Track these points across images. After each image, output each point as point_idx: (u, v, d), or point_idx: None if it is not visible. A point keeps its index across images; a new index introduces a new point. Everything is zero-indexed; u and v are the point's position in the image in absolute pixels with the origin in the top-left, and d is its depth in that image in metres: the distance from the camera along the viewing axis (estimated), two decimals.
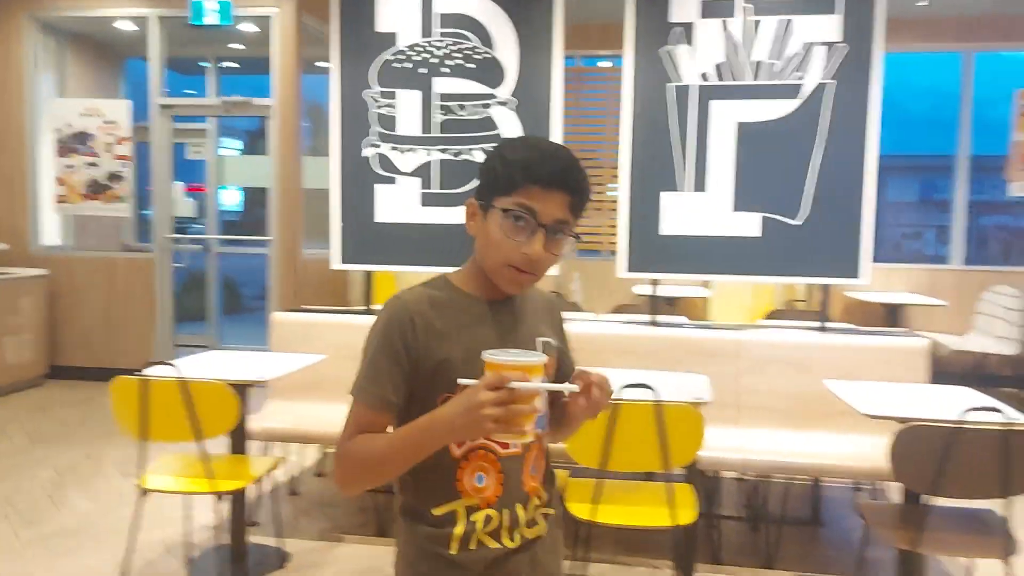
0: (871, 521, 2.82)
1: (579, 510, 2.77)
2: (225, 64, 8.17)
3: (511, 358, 1.20)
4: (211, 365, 3.36)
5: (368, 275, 4.48)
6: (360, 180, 4.26)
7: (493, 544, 1.35)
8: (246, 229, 12.70)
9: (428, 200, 4.24)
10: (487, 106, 4.14)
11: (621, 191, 4.07)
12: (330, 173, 4.34)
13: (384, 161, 4.24)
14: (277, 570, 3.38)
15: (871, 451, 3.28)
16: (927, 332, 6.42)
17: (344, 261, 4.36)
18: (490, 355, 1.20)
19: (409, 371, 1.34)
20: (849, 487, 4.38)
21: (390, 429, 1.36)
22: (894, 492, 4.13)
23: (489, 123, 4.14)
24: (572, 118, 6.58)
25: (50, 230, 6.93)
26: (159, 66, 6.52)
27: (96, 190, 6.52)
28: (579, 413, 1.35)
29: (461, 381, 1.22)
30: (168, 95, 6.62)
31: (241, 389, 3.08)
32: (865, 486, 4.30)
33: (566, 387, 1.27)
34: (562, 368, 1.47)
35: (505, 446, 1.34)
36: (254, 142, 11.90)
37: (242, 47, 7.84)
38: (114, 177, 6.51)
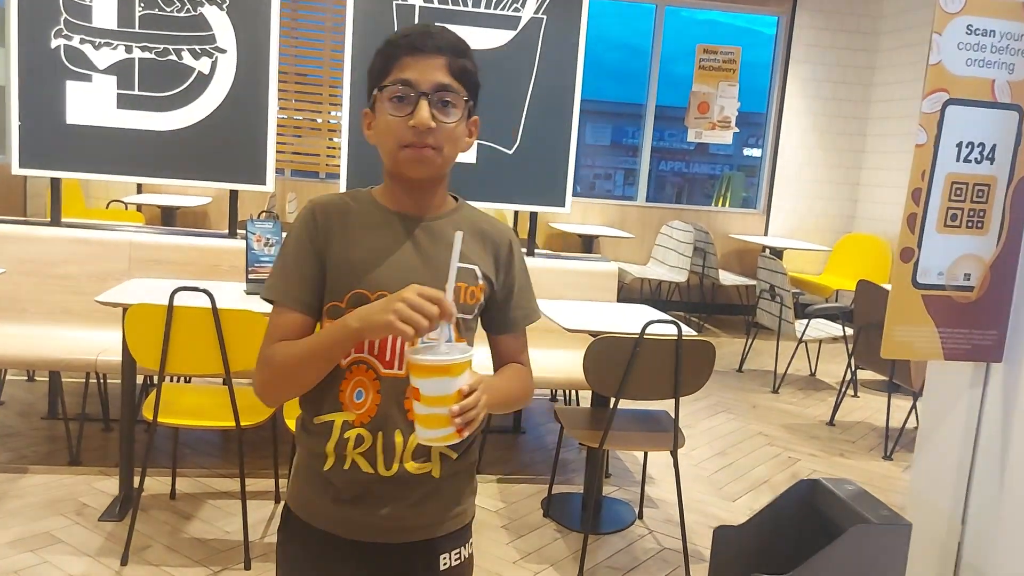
0: (565, 424, 3.14)
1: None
2: None
3: (434, 357, 1.13)
4: None
5: (56, 183, 4.02)
6: (46, 75, 3.78)
7: (366, 468, 1.28)
8: None
9: (125, 102, 3.86)
10: (198, 4, 3.84)
11: (344, 112, 4.01)
12: (8, 64, 3.79)
13: (75, 55, 3.79)
14: None
15: (569, 364, 3.62)
16: (616, 261, 7.13)
17: (25, 166, 3.87)
18: (413, 355, 1.14)
19: (318, 270, 1.29)
20: (546, 398, 4.80)
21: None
22: (586, 399, 4.60)
23: (201, 22, 3.85)
24: (290, 35, 6.32)
25: None
26: None
27: None
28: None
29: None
30: None
31: None
32: (561, 396, 4.75)
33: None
34: (505, 309, 1.40)
35: (389, 365, 1.27)
36: None
37: None
38: None
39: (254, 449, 3.68)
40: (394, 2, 3.95)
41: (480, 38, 4.00)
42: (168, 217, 6.61)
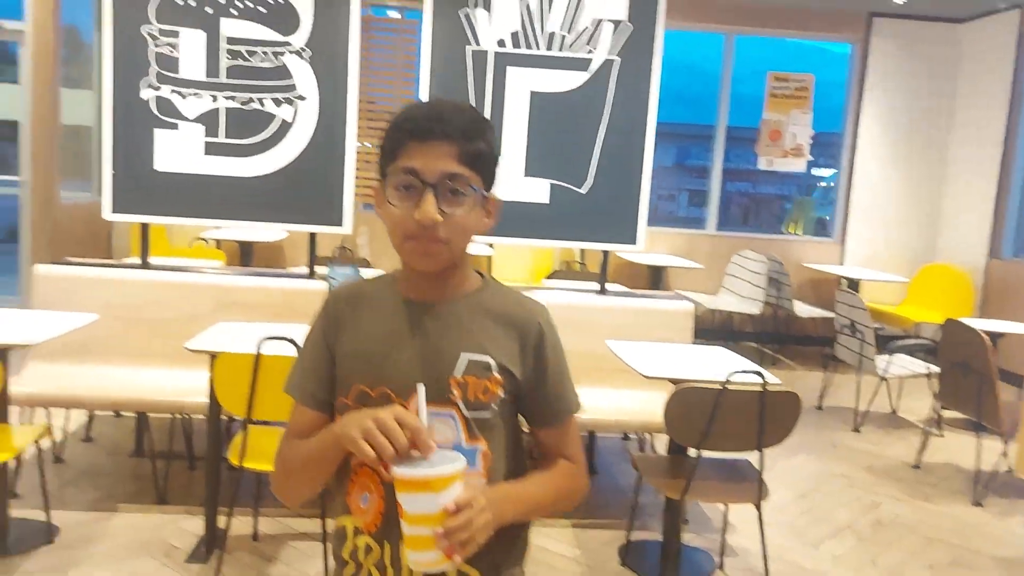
0: (644, 472, 3.10)
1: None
2: None
3: (412, 470, 1.03)
4: None
5: (145, 228, 4.17)
6: (137, 124, 3.94)
7: None
8: None
9: (212, 149, 4.00)
10: (280, 54, 3.96)
11: None
12: (102, 114, 3.97)
13: (165, 105, 3.94)
14: (45, 546, 3.13)
15: (643, 406, 3.59)
16: (684, 291, 7.05)
17: (116, 211, 4.03)
18: (393, 465, 1.04)
19: (329, 364, 1.25)
20: (619, 437, 4.76)
21: None
22: (660, 441, 4.54)
23: (283, 72, 3.97)
24: (363, 71, 6.44)
25: None
26: None
27: None
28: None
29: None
30: None
31: (2, 353, 2.79)
32: (633, 436, 4.70)
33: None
34: (538, 400, 1.28)
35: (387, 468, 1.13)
36: None
37: None
38: None
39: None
40: (468, 48, 4.00)
41: (553, 81, 4.02)
42: (246, 251, 6.79)
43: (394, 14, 7.43)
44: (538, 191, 4.10)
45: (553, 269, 6.60)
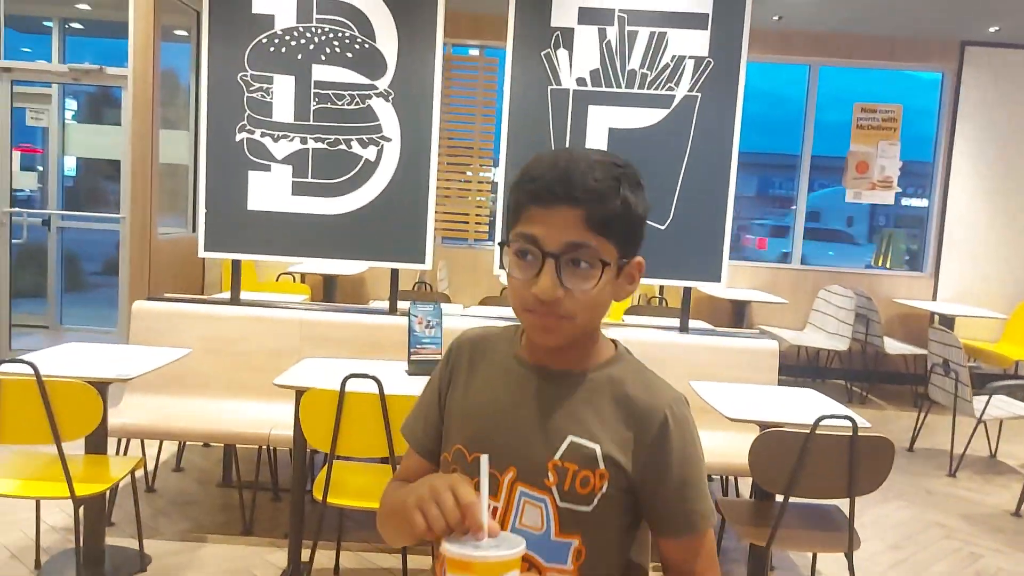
0: (728, 517, 3.03)
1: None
2: (71, 25, 7.59)
3: (460, 548, 0.92)
4: (69, 360, 3.15)
5: (236, 265, 4.32)
6: (231, 166, 4.10)
7: None
8: (82, 200, 11.88)
9: (299, 189, 4.13)
10: (366, 97, 4.07)
11: (500, 190, 4.12)
12: (198, 157, 4.15)
13: (256, 147, 4.09)
14: (138, 573, 3.24)
15: (726, 447, 3.50)
16: (768, 326, 6.90)
17: (209, 249, 4.19)
18: (444, 540, 0.94)
19: (440, 414, 1.19)
20: None
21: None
22: (743, 484, 4.43)
23: (368, 114, 4.08)
24: (443, 109, 6.57)
25: None
26: None
27: None
28: None
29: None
30: (2, 56, 6.08)
31: (102, 386, 2.92)
32: (715, 477, 4.58)
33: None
34: (656, 504, 1.10)
35: None
36: (93, 107, 11.10)
37: (89, 8, 7.31)
38: None
39: None
40: (548, 87, 4.04)
41: (632, 118, 4.02)
42: (330, 284, 6.96)
43: (474, 52, 7.57)
44: None
45: (631, 304, 6.55)
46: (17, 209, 6.28)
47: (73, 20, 7.52)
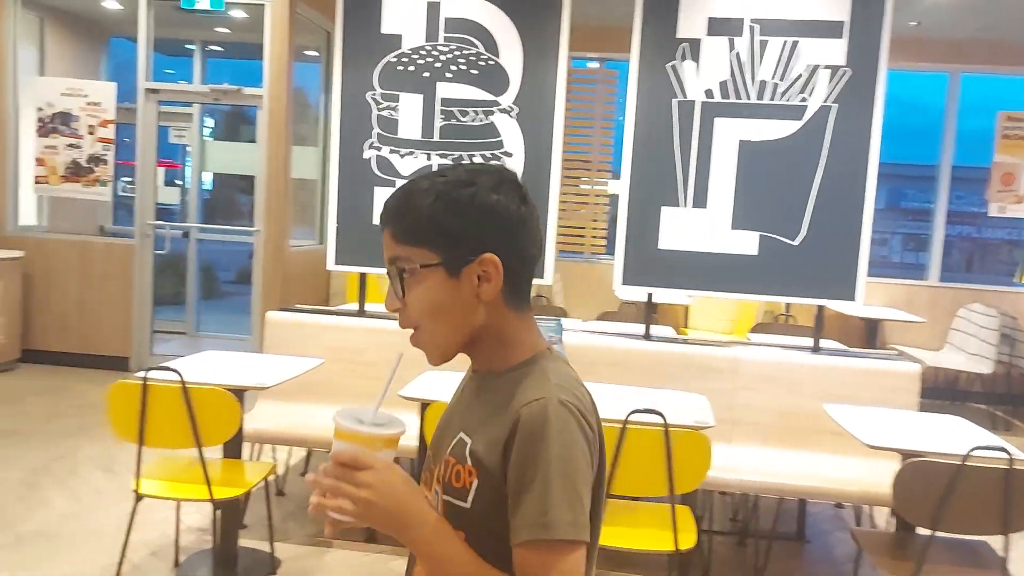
0: (867, 549, 2.86)
1: None
2: (211, 48, 8.03)
3: (340, 419, 1.04)
4: (209, 368, 3.31)
5: (363, 278, 4.44)
6: (359, 182, 4.22)
7: None
8: (217, 213, 12.52)
9: None
10: (489, 113, 4.11)
11: (621, 204, 4.08)
12: (327, 173, 4.30)
13: (384, 163, 4.20)
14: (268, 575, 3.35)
15: (861, 475, 3.33)
16: (904, 346, 6.55)
17: (338, 262, 4.32)
18: (337, 419, 1.04)
19: None
20: (829, 503, 4.45)
21: None
22: (879, 513, 4.21)
23: (491, 130, 4.12)
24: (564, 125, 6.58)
25: (24, 210, 6.77)
26: (147, 49, 6.38)
27: (77, 172, 6.38)
28: None
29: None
30: (150, 78, 6.48)
31: (239, 394, 3.04)
32: (847, 504, 4.37)
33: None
34: (508, 508, 1.05)
35: None
36: (229, 125, 11.71)
37: (228, 31, 7.71)
38: (95, 160, 6.37)
39: None
40: (674, 99, 3.97)
41: (763, 130, 3.90)
42: None
43: (593, 65, 7.55)
44: (746, 243, 3.96)
45: (757, 321, 6.35)
46: (160, 222, 6.66)
47: (213, 43, 7.95)
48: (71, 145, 6.36)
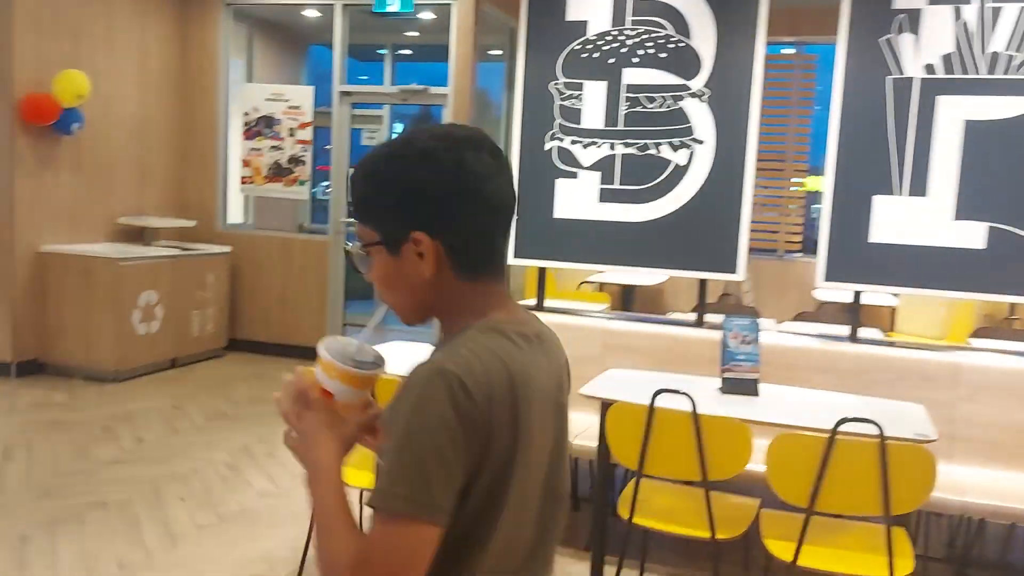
0: None
1: (779, 549, 2.52)
2: (400, 52, 8.28)
3: (338, 363, 1.11)
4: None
5: (542, 271, 4.35)
6: (540, 174, 4.13)
7: None
8: None
9: (606, 196, 4.04)
10: (679, 98, 3.90)
11: (825, 193, 3.73)
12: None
13: (565, 155, 4.08)
14: None
15: None
16: None
17: (518, 256, 4.25)
18: (320, 350, 1.13)
19: None
20: None
21: None
22: None
23: (680, 116, 3.90)
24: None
25: (233, 209, 7.25)
26: (342, 54, 6.64)
27: (278, 172, 6.74)
28: None
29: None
30: (344, 81, 6.75)
31: None
32: None
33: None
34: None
35: None
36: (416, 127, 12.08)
37: (417, 34, 7.91)
38: (295, 160, 6.71)
39: (724, 552, 3.48)
40: (888, 77, 3.58)
41: (994, 108, 3.44)
42: (628, 294, 6.86)
43: (788, 50, 7.08)
44: (972, 236, 3.51)
45: (975, 324, 5.70)
46: (352, 219, 6.90)
47: (403, 46, 8.19)
48: (274, 147, 6.73)
